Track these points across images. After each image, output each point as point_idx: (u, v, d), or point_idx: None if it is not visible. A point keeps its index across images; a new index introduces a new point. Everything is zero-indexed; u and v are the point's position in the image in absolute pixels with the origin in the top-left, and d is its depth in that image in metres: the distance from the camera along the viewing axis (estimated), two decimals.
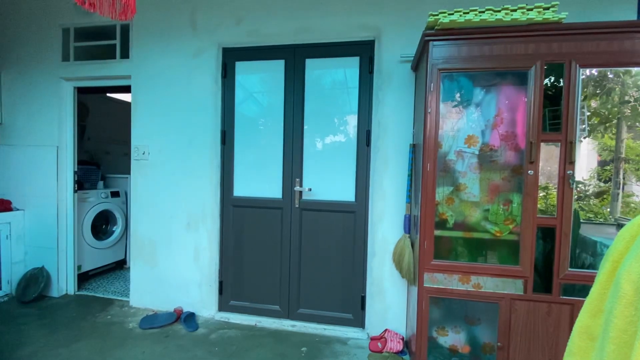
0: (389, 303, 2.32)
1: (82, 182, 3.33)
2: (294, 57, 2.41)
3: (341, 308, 2.43)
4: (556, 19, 1.57)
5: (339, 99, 2.40)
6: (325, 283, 2.45)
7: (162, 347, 2.16)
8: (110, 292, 3.02)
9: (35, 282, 2.78)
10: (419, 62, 2.02)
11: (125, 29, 2.69)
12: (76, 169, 2.94)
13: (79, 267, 3.08)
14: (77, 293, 2.97)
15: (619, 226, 1.82)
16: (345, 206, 2.39)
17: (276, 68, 2.45)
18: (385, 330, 2.28)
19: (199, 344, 2.21)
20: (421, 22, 1.90)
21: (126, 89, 2.83)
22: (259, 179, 2.53)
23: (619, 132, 1.83)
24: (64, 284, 2.93)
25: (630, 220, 0.53)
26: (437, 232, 1.76)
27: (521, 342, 1.68)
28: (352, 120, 2.38)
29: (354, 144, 2.37)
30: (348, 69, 2.38)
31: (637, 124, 1.83)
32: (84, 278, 3.22)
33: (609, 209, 1.88)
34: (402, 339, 2.20)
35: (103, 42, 2.76)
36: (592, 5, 2.03)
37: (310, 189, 2.43)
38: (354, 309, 2.42)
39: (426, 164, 1.71)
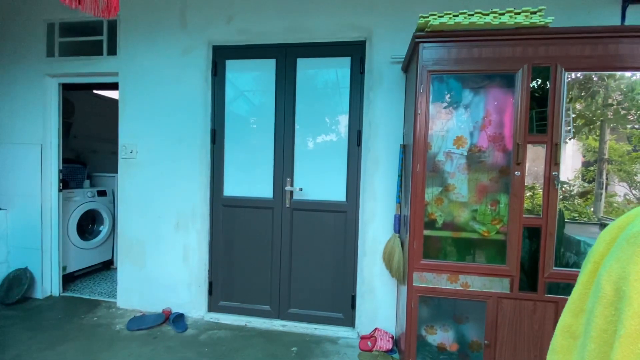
0: (379, 302, 2.33)
1: (68, 181, 3.25)
2: (285, 57, 2.40)
3: (332, 307, 2.44)
4: (543, 23, 1.60)
5: (330, 99, 2.40)
6: (316, 283, 2.45)
7: (150, 349, 2.13)
8: (97, 293, 2.96)
9: (18, 283, 2.71)
10: (409, 64, 2.03)
11: (113, 25, 2.64)
12: (61, 168, 2.87)
13: (64, 268, 3.02)
14: (62, 294, 2.90)
15: (602, 225, 1.88)
16: (336, 206, 2.40)
17: (267, 67, 2.44)
18: (375, 329, 2.30)
19: (188, 345, 2.19)
20: (412, 23, 1.91)
21: (113, 86, 2.78)
22: (250, 179, 2.52)
23: (603, 134, 1.88)
24: (48, 285, 2.86)
25: (612, 220, 0.54)
26: (427, 232, 1.78)
27: (507, 340, 1.71)
28: (343, 120, 2.39)
29: (345, 144, 2.38)
30: (339, 69, 2.38)
31: (620, 126, 1.88)
32: (69, 279, 3.15)
33: (592, 209, 1.93)
34: (392, 337, 2.22)
35: (89, 37, 2.70)
36: (577, 10, 2.07)
37: (301, 189, 2.43)
38: (344, 309, 2.43)
39: (416, 164, 1.73)
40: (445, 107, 1.81)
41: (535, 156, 1.70)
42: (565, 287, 1.66)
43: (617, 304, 0.45)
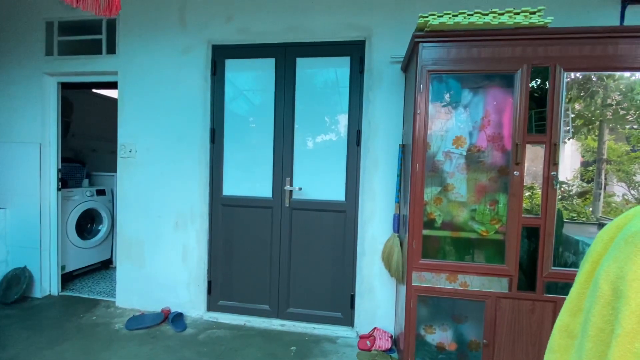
0: (378, 302, 2.33)
1: (66, 180, 3.25)
2: (285, 56, 2.40)
3: (331, 307, 2.44)
4: (542, 23, 1.60)
5: (329, 98, 2.40)
6: (315, 282, 2.45)
7: (149, 348, 2.13)
8: (96, 293, 2.96)
9: (17, 282, 2.71)
10: (408, 63, 2.03)
11: (112, 24, 2.63)
12: (60, 167, 2.87)
13: (63, 267, 3.01)
14: (61, 294, 2.90)
15: (601, 225, 1.88)
16: (336, 206, 2.40)
17: (267, 66, 2.44)
18: (374, 328, 2.30)
19: (187, 344, 2.19)
20: (411, 23, 1.91)
21: (112, 85, 2.78)
22: (249, 178, 2.52)
23: (601, 134, 1.89)
24: (47, 284, 2.85)
25: (610, 220, 0.54)
26: (426, 232, 1.79)
27: (506, 339, 1.72)
28: (343, 120, 2.39)
29: (345, 143, 2.38)
30: (339, 68, 2.38)
31: (619, 126, 1.89)
32: (68, 278, 3.15)
33: (591, 209, 1.93)
34: (391, 337, 2.23)
35: (88, 36, 2.69)
36: (577, 10, 2.08)
37: (300, 188, 2.43)
38: (343, 308, 2.43)
39: (415, 164, 1.73)
40: (444, 107, 1.81)
41: (534, 156, 1.70)
42: (563, 287, 1.66)
43: (614, 303, 0.46)
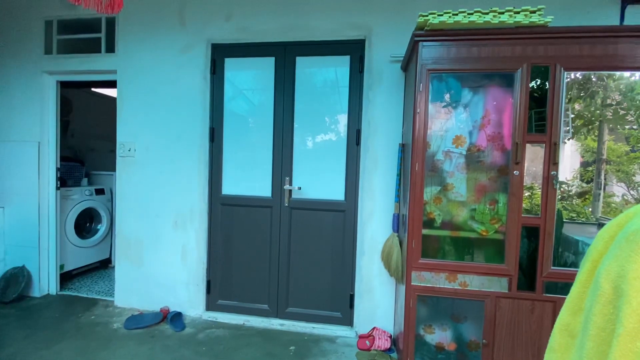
0: (378, 301, 2.33)
1: (65, 179, 3.24)
2: (285, 55, 2.40)
3: (330, 307, 2.44)
4: (542, 22, 1.60)
5: (329, 97, 2.40)
6: (314, 282, 2.44)
7: (147, 348, 2.12)
8: (94, 292, 2.96)
9: (15, 281, 2.70)
10: (408, 62, 2.03)
11: (111, 23, 2.62)
12: (59, 166, 2.86)
13: (62, 267, 3.01)
14: (59, 293, 2.89)
15: (600, 225, 1.87)
16: (335, 205, 2.39)
17: (266, 65, 2.43)
18: (374, 328, 2.30)
19: (186, 344, 2.19)
20: (411, 22, 1.91)
21: (112, 84, 2.77)
22: (249, 177, 2.51)
23: (601, 134, 1.88)
24: (45, 283, 2.85)
25: (610, 220, 0.54)
26: (425, 231, 1.78)
27: (506, 339, 1.71)
28: (343, 120, 2.38)
29: (344, 143, 2.37)
30: (338, 67, 2.37)
31: (618, 126, 1.88)
32: (66, 277, 3.14)
33: (590, 209, 1.93)
34: (390, 336, 2.22)
35: (88, 35, 2.68)
36: (577, 10, 2.07)
37: (300, 188, 2.42)
38: (342, 308, 2.42)
39: (415, 163, 1.73)
40: (444, 107, 1.81)
41: (534, 156, 1.70)
42: (563, 287, 1.66)
43: (615, 302, 0.45)
